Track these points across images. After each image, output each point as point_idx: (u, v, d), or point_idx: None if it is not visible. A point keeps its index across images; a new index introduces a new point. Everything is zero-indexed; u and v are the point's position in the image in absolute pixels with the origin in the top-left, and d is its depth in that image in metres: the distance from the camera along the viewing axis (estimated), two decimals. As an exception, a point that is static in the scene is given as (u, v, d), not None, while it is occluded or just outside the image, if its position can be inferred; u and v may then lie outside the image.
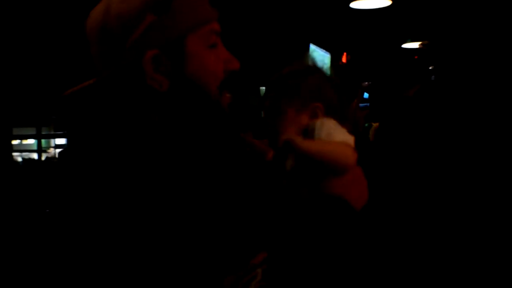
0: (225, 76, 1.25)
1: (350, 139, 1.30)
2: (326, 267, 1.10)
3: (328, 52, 7.96)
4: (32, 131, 10.67)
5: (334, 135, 1.29)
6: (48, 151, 11.62)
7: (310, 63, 1.46)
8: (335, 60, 7.19)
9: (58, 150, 11.78)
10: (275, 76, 1.46)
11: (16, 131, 9.74)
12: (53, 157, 11.22)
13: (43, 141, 11.25)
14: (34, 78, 7.44)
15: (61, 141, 11.39)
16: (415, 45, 8.60)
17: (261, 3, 6.25)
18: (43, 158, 10.82)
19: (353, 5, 6.46)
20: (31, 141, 11.43)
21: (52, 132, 11.34)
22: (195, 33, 1.19)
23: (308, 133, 1.30)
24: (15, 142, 10.15)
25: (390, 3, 6.41)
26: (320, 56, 7.64)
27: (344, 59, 7.25)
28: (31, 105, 8.74)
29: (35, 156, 10.92)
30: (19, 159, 10.03)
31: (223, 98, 1.26)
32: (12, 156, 8.49)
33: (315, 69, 1.42)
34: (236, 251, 1.07)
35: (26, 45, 6.47)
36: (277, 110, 1.41)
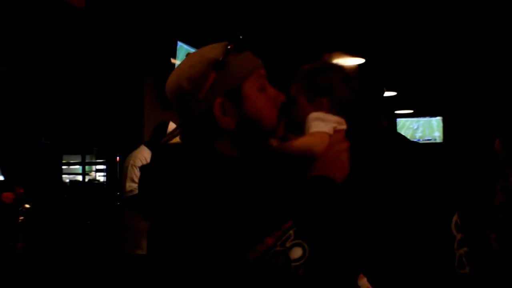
0: (279, 108, 1.34)
1: (329, 127, 1.33)
2: (331, 227, 1.17)
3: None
4: (78, 158, 10.69)
5: (312, 127, 1.33)
6: (90, 174, 11.73)
7: (333, 61, 1.45)
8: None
9: (98, 174, 11.88)
10: (301, 69, 1.47)
11: (65, 158, 9.94)
12: (94, 179, 11.39)
13: (86, 166, 11.28)
14: (81, 116, 7.56)
15: (101, 167, 11.42)
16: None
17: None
18: (86, 180, 10.94)
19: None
20: (77, 166, 11.41)
21: (94, 160, 11.43)
22: (248, 80, 1.31)
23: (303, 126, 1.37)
24: (64, 167, 10.20)
25: (363, 60, 6.82)
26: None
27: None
28: (78, 137, 8.79)
29: (79, 178, 10.93)
30: (67, 180, 10.18)
31: (280, 126, 1.35)
32: (61, 178, 8.74)
33: (332, 67, 1.44)
34: (272, 219, 1.14)
35: (75, 88, 6.59)
36: (293, 101, 1.46)
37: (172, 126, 4.29)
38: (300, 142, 1.32)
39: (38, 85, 6.65)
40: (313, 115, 1.36)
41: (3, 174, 3.46)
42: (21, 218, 2.82)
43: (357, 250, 1.22)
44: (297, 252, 1.10)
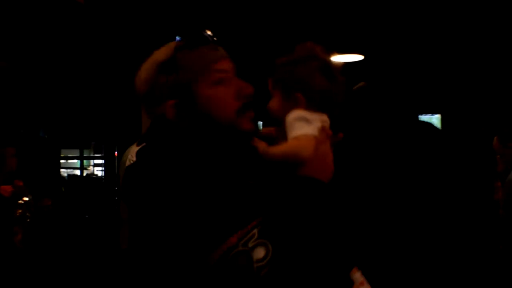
0: (243, 100, 1.31)
1: (312, 128, 1.27)
2: (304, 227, 1.13)
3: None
4: (76, 153, 10.61)
5: (296, 129, 1.26)
6: (88, 168, 11.76)
7: (308, 51, 1.36)
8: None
9: (96, 168, 11.97)
10: (276, 63, 1.40)
11: (63, 152, 10.08)
12: (92, 173, 11.49)
13: (84, 161, 11.20)
14: (79, 110, 7.56)
15: (98, 161, 11.49)
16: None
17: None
18: (84, 174, 10.90)
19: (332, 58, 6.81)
20: (75, 160, 11.38)
21: (92, 154, 11.47)
22: (199, 79, 1.28)
23: (284, 125, 1.30)
24: (62, 161, 10.20)
25: (362, 57, 6.73)
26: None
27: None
28: (76, 132, 8.75)
29: (77, 172, 10.93)
30: (65, 174, 10.26)
31: (243, 119, 1.31)
32: (60, 172, 8.78)
33: (309, 58, 1.34)
34: (237, 217, 1.12)
35: (74, 83, 6.64)
36: (271, 96, 1.38)
37: None
38: (286, 148, 1.26)
39: (37, 79, 6.65)
40: (295, 114, 1.29)
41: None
42: (19, 211, 2.83)
43: (330, 251, 1.16)
44: (260, 252, 1.08)
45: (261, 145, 1.28)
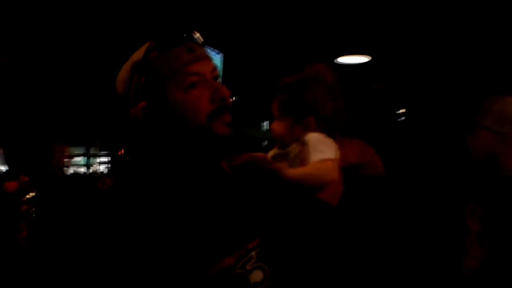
0: (217, 104, 1.23)
1: (333, 153, 1.26)
2: (308, 252, 1.12)
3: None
4: (82, 150, 10.86)
5: (319, 153, 1.24)
6: (93, 166, 11.77)
7: (317, 73, 1.36)
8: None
9: (101, 166, 11.91)
10: (280, 83, 1.40)
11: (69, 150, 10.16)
12: (97, 171, 11.31)
13: (90, 159, 11.38)
14: (84, 110, 7.67)
15: (104, 159, 11.57)
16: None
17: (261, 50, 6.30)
18: (90, 171, 11.02)
19: (339, 60, 6.66)
20: (80, 158, 11.47)
21: (97, 152, 11.51)
22: (171, 82, 1.22)
23: (301, 146, 1.28)
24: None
25: (369, 58, 6.74)
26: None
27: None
28: (82, 131, 8.90)
29: (83, 169, 10.98)
30: (71, 171, 10.08)
31: (217, 122, 1.23)
32: (65, 169, 8.81)
33: (315, 80, 1.35)
34: (233, 237, 1.07)
35: (80, 83, 6.66)
36: (276, 118, 1.39)
37: None
38: (312, 170, 1.24)
39: (43, 78, 6.66)
40: (315, 137, 1.29)
41: (7, 164, 3.48)
42: (25, 207, 2.82)
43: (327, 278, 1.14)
44: (257, 276, 1.05)
45: (280, 166, 1.24)
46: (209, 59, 1.29)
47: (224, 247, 1.04)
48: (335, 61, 6.78)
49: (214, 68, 1.28)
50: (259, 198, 1.24)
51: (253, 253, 1.06)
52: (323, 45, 6.19)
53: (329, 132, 1.32)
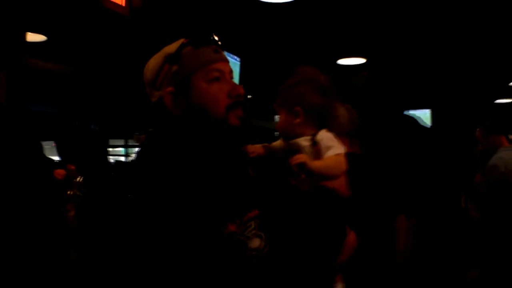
0: (234, 99, 1.26)
1: (343, 148, 1.28)
2: (308, 232, 1.11)
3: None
4: (122, 142, 10.93)
5: (333, 149, 1.27)
6: (131, 155, 11.74)
7: (304, 74, 1.37)
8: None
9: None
10: (278, 89, 1.42)
11: (111, 142, 10.26)
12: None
13: (128, 149, 11.47)
14: (123, 107, 7.69)
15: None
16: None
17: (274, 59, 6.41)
18: (128, 160, 11.13)
19: (340, 61, 6.67)
20: (120, 148, 11.51)
21: (135, 143, 11.55)
22: (197, 74, 1.25)
23: (316, 144, 1.28)
24: (110, 149, 10.37)
25: (364, 60, 6.70)
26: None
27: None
28: (121, 125, 9.00)
29: (123, 158, 11.20)
30: (112, 160, 10.32)
31: (231, 114, 1.25)
32: (108, 158, 8.91)
33: (306, 80, 1.35)
34: (234, 206, 1.08)
35: (121, 85, 6.68)
36: (277, 113, 1.42)
37: None
38: (333, 162, 1.26)
39: (91, 81, 6.75)
40: (329, 134, 1.31)
41: (59, 155, 3.51)
42: (73, 191, 2.82)
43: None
44: (255, 243, 1.05)
45: (303, 157, 1.24)
46: (228, 61, 1.32)
47: (228, 215, 1.06)
48: (337, 62, 6.73)
49: (231, 70, 1.32)
50: (263, 179, 1.29)
51: (253, 222, 1.07)
52: (325, 49, 6.17)
53: (318, 120, 1.33)
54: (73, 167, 2.97)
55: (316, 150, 1.29)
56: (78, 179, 2.93)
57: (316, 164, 1.24)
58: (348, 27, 5.25)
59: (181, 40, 1.30)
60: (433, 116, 10.25)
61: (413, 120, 2.72)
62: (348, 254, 1.29)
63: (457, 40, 5.90)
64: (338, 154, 1.26)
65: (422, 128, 2.73)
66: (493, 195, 3.62)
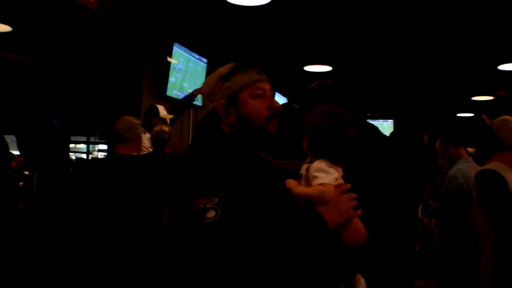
0: (271, 112, 1.53)
1: (329, 178, 1.38)
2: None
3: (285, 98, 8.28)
4: (84, 139, 10.69)
5: (317, 179, 1.38)
6: (93, 153, 11.53)
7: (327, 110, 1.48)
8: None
9: (100, 153, 11.90)
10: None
11: (72, 138, 10.04)
12: (96, 157, 11.13)
13: (90, 146, 11.23)
14: (88, 102, 7.52)
15: (103, 146, 11.44)
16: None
17: None
18: (90, 157, 10.81)
19: (306, 68, 6.76)
20: (82, 145, 11.29)
21: (97, 140, 11.28)
22: (245, 90, 1.52)
23: (307, 173, 1.41)
24: (71, 145, 10.24)
25: (331, 68, 6.80)
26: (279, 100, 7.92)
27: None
28: (83, 120, 8.83)
29: (84, 156, 10.84)
30: (73, 157, 10.16)
31: (270, 124, 1.52)
32: (69, 155, 8.77)
33: (325, 113, 1.46)
34: (211, 186, 1.27)
35: (84, 79, 6.57)
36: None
37: (161, 108, 4.45)
38: (314, 191, 1.37)
39: (56, 75, 6.63)
40: (317, 166, 1.41)
41: (20, 150, 3.46)
42: (22, 183, 2.79)
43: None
44: (210, 213, 1.23)
45: (290, 183, 1.40)
46: (268, 82, 1.58)
47: (203, 191, 1.27)
48: (303, 68, 6.79)
49: (270, 88, 1.58)
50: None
51: (216, 199, 1.25)
52: (293, 55, 6.23)
53: (318, 156, 1.45)
54: (21, 159, 2.95)
55: (308, 177, 1.42)
56: (26, 171, 2.90)
57: (300, 190, 1.38)
58: (315, 34, 5.31)
59: (232, 64, 1.58)
60: (396, 127, 10.45)
61: (374, 128, 2.76)
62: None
63: (422, 53, 6.04)
64: (321, 184, 1.37)
65: (382, 136, 2.77)
66: (451, 205, 3.71)
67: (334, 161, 1.42)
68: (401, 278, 3.00)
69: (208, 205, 1.24)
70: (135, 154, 3.02)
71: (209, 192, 1.26)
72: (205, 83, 1.62)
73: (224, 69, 1.58)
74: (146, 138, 4.09)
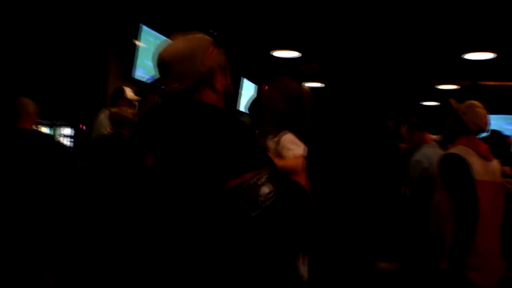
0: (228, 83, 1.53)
1: (300, 150, 1.47)
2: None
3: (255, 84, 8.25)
4: (47, 122, 10.51)
5: (291, 150, 1.47)
6: (58, 137, 11.61)
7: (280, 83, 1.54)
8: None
9: (64, 138, 11.74)
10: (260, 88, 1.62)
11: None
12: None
13: (56, 129, 11.01)
14: (52, 87, 7.41)
15: (66, 130, 11.32)
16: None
17: None
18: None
19: (274, 53, 6.71)
20: (45, 128, 11.08)
21: (61, 122, 11.23)
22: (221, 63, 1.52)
23: (278, 146, 1.50)
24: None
25: (300, 54, 6.76)
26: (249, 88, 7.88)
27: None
28: (47, 105, 8.58)
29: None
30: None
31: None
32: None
33: (279, 88, 1.52)
34: (255, 160, 1.26)
35: (47, 62, 6.33)
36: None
37: (128, 90, 4.34)
38: (289, 163, 1.47)
39: (14, 57, 6.44)
40: (288, 138, 1.50)
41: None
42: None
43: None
44: (265, 189, 1.21)
45: (272, 157, 1.43)
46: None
47: (247, 166, 1.24)
48: (270, 53, 6.76)
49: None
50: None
51: (265, 174, 1.24)
52: (260, 39, 6.20)
53: (284, 127, 1.54)
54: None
55: (279, 150, 1.50)
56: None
57: (280, 163, 1.44)
58: (283, 19, 5.28)
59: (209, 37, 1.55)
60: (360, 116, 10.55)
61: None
62: None
63: (387, 40, 6.10)
64: (296, 156, 1.47)
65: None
66: (416, 189, 3.78)
67: (295, 132, 1.51)
68: (363, 260, 3.05)
69: (260, 182, 1.21)
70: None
71: (254, 165, 1.23)
72: (195, 44, 1.50)
73: (207, 37, 1.54)
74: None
